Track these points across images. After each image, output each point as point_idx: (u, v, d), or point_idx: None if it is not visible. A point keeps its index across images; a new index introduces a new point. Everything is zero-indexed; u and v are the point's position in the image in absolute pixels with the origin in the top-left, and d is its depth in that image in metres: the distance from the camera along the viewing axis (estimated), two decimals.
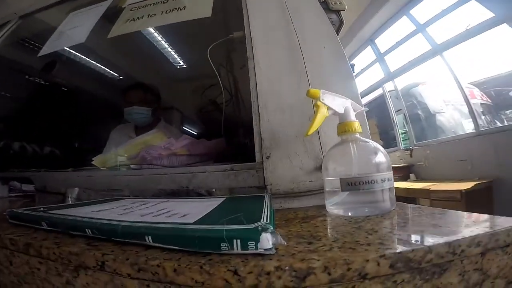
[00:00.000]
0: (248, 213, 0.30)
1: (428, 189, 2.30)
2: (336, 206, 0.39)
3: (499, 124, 2.54)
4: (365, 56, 3.52)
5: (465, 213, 0.35)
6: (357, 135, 0.40)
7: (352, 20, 3.08)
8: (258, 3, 0.62)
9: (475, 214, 0.32)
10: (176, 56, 1.31)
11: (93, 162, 0.77)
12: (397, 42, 3.08)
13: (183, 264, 0.22)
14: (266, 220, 0.26)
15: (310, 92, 0.40)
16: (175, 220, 0.29)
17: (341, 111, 0.41)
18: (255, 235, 0.23)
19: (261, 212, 0.30)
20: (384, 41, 3.25)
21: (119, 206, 0.43)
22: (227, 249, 0.23)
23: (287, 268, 0.21)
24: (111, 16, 0.82)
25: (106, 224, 0.29)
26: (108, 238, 0.29)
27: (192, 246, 0.24)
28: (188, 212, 0.33)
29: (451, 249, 0.23)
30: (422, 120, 3.16)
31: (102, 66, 1.34)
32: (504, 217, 0.28)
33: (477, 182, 2.17)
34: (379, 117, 3.63)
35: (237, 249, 0.23)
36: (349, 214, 0.37)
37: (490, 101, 2.66)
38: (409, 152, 3.10)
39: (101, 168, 0.74)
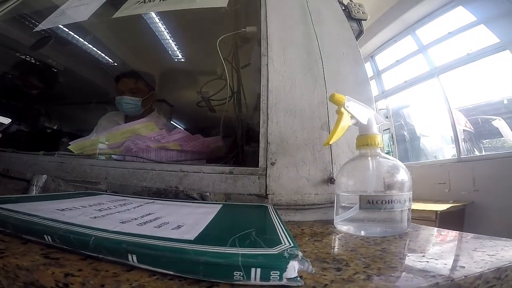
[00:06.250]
0: (260, 230, 0.24)
1: None
2: (346, 223, 0.35)
3: (477, 153, 2.66)
4: None
5: (483, 236, 0.33)
6: (378, 150, 0.36)
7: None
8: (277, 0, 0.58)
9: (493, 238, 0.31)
10: (175, 47, 1.25)
11: (69, 147, 0.68)
12: (396, 61, 3.12)
13: None
14: (289, 242, 0.21)
15: (335, 97, 0.36)
16: (169, 234, 0.22)
17: (364, 122, 0.37)
18: (281, 264, 0.18)
19: (275, 228, 0.25)
20: (384, 58, 3.28)
21: (93, 204, 0.36)
22: (241, 279, 0.18)
23: None
24: (116, 1, 0.78)
25: (73, 233, 0.22)
26: (75, 250, 0.22)
27: (194, 272, 0.18)
28: (182, 221, 0.27)
29: (498, 275, 0.20)
30: (407, 142, 3.25)
31: (97, 50, 1.25)
32: None
33: (452, 205, 2.26)
34: None
35: (255, 280, 0.18)
36: (362, 233, 0.34)
37: (472, 128, 2.77)
38: None
39: (78, 156, 0.66)
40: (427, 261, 0.24)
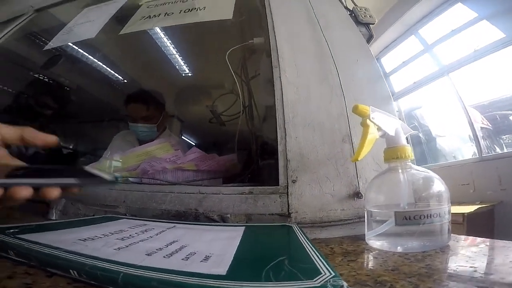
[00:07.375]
0: (292, 256, 0.23)
1: None
2: (379, 238, 0.33)
3: (498, 150, 2.54)
4: None
5: None
6: (409, 162, 0.34)
7: None
8: (283, 8, 0.58)
9: None
10: (182, 62, 1.27)
11: None
12: (403, 62, 3.08)
13: None
14: (329, 271, 0.19)
15: (359, 109, 0.34)
16: (199, 268, 0.21)
17: (392, 133, 0.35)
18: None
19: (307, 254, 0.24)
20: (389, 60, 3.23)
21: (114, 232, 0.35)
22: None
23: None
24: (122, 17, 0.78)
25: (99, 269, 0.21)
26: (102, 286, 0.21)
27: None
28: (208, 250, 0.26)
29: None
30: (423, 143, 3.14)
31: (107, 68, 1.28)
32: None
33: (479, 206, 2.14)
34: None
35: None
36: (398, 248, 0.31)
37: (490, 125, 2.66)
38: None
39: None
40: (481, 276, 0.22)
